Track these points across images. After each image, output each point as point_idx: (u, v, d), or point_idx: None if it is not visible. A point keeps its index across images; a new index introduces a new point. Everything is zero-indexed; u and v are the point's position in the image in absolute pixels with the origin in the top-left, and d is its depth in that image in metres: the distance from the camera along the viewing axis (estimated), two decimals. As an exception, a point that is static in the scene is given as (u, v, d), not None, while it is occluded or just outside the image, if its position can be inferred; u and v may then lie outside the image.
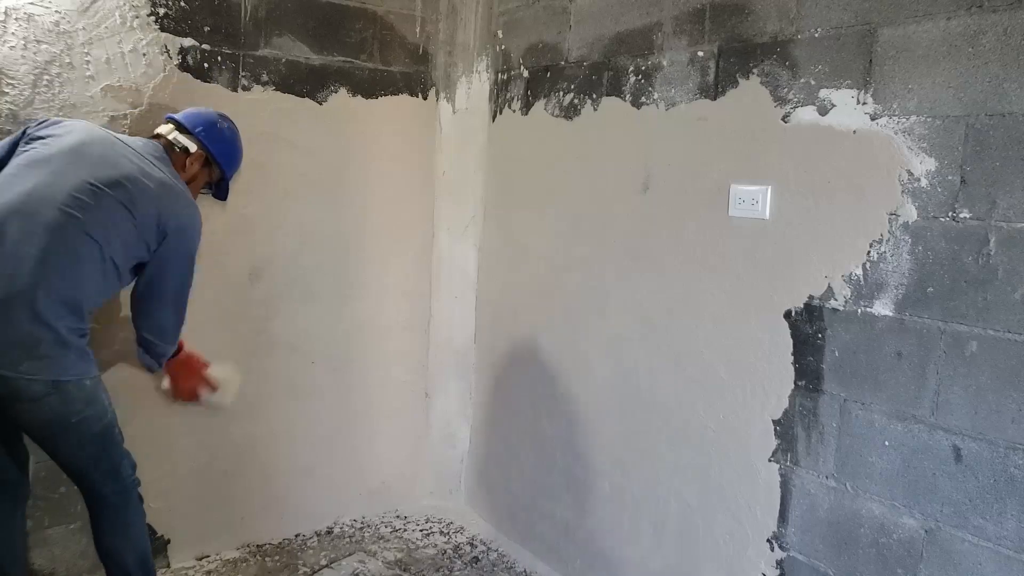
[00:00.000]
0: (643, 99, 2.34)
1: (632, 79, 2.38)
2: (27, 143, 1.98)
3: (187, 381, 2.30)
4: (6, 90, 2.21)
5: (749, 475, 2.07)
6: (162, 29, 2.44)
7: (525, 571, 2.77)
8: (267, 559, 2.75)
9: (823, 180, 1.87)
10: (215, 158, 2.21)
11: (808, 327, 1.92)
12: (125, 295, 2.15)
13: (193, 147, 2.17)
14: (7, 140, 2.03)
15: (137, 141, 2.10)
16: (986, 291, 1.59)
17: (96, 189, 1.89)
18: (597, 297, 2.53)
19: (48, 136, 1.97)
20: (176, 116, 2.22)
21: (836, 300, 1.86)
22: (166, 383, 2.32)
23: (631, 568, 2.44)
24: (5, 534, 2.03)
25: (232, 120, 2.31)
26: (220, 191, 2.32)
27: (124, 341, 2.47)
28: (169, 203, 2.01)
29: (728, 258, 2.10)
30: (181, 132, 2.18)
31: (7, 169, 1.92)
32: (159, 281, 2.05)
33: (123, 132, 2.39)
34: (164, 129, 2.19)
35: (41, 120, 2.06)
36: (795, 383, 1.96)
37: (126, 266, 1.98)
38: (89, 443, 1.93)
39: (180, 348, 2.26)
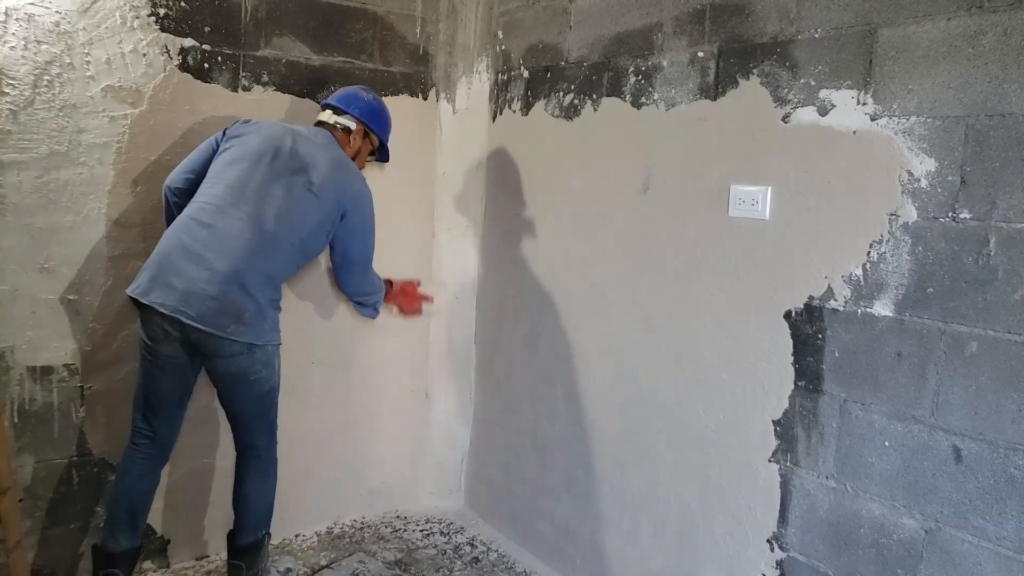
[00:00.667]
0: (643, 99, 2.34)
1: (632, 79, 2.38)
2: (226, 142, 2.31)
3: (412, 305, 2.85)
4: (6, 90, 2.21)
5: (749, 475, 2.07)
6: (162, 29, 2.44)
7: (525, 571, 2.77)
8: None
9: (823, 180, 1.87)
10: (371, 128, 2.49)
11: (808, 327, 1.92)
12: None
13: (353, 125, 2.45)
14: (208, 141, 2.35)
15: (309, 130, 2.40)
16: (986, 292, 1.59)
17: (284, 179, 2.24)
18: (597, 297, 2.53)
19: (241, 135, 2.31)
20: (329, 101, 2.49)
21: (836, 300, 1.86)
22: (395, 311, 2.83)
23: (631, 568, 2.44)
24: (147, 485, 2.33)
25: (372, 90, 2.58)
26: (383, 154, 2.62)
27: (123, 339, 2.48)
28: (344, 181, 2.35)
29: (728, 258, 2.10)
30: (338, 114, 2.46)
31: (213, 167, 2.28)
32: (349, 252, 2.43)
33: (125, 132, 2.39)
34: (325, 115, 2.46)
35: (235, 120, 2.38)
36: (795, 383, 1.96)
37: (314, 242, 2.33)
38: (257, 399, 2.29)
39: (390, 284, 2.73)
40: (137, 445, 2.29)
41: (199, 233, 2.15)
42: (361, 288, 2.55)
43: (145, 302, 2.11)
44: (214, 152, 2.32)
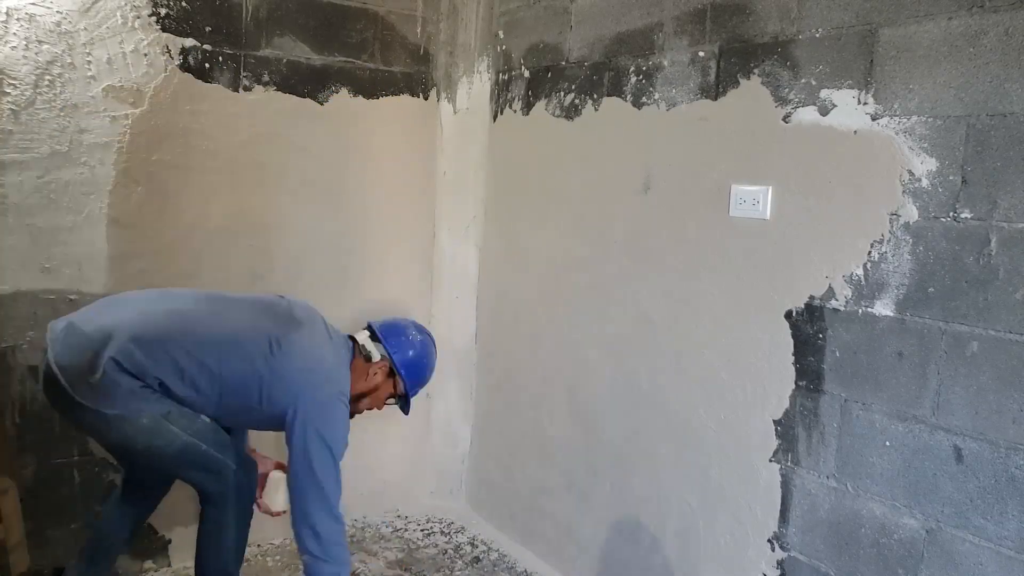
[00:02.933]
0: (644, 99, 2.34)
1: (633, 79, 2.38)
2: None
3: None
4: (7, 90, 2.22)
5: (750, 475, 2.07)
6: (163, 29, 2.44)
7: (526, 571, 2.77)
8: (268, 559, 2.75)
9: (824, 180, 1.87)
10: (400, 373, 2.14)
11: (809, 327, 1.92)
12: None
13: (376, 356, 2.12)
14: None
15: (332, 329, 2.13)
16: (987, 291, 1.59)
17: (257, 320, 2.01)
18: (598, 297, 2.53)
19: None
20: (375, 324, 2.19)
21: (837, 300, 1.86)
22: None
23: (632, 568, 2.44)
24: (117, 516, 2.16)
25: (429, 333, 2.25)
26: (404, 405, 2.23)
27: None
28: (308, 381, 1.95)
29: (729, 258, 2.10)
30: (374, 340, 2.14)
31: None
32: (291, 460, 1.97)
33: (126, 132, 2.40)
34: (361, 335, 2.15)
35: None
36: (796, 383, 1.96)
37: (234, 400, 1.95)
38: (170, 460, 1.94)
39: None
40: None
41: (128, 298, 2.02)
42: (309, 528, 1.92)
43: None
44: None
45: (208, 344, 1.90)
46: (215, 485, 2.01)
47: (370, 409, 2.19)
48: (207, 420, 1.95)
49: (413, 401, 2.24)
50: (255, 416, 2.01)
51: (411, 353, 2.16)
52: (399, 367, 2.14)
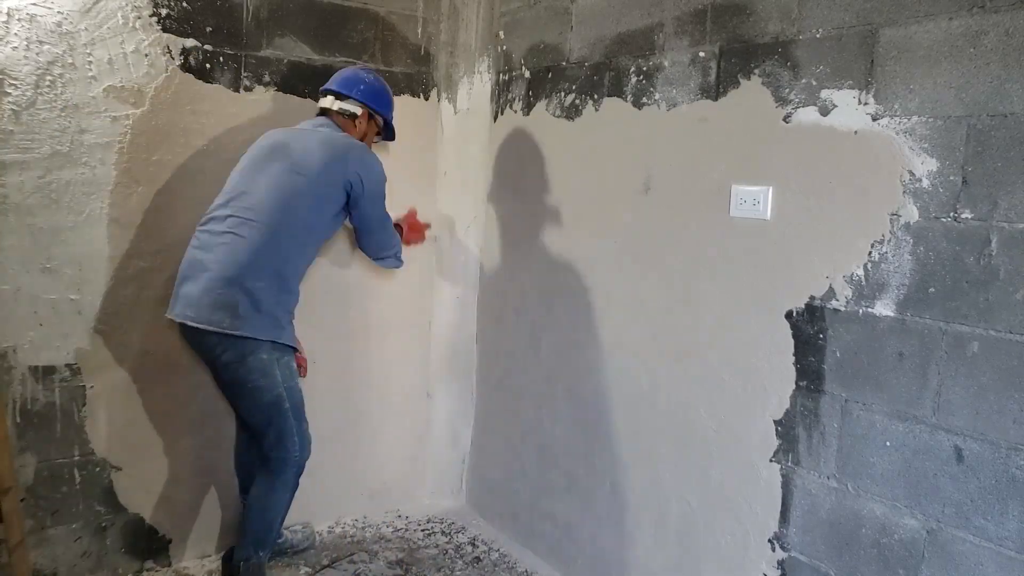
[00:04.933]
0: (644, 99, 2.34)
1: (633, 79, 2.38)
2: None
3: (417, 235, 2.87)
4: (9, 91, 2.22)
5: (750, 475, 2.07)
6: (164, 30, 2.44)
7: (527, 571, 2.77)
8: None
9: (824, 181, 1.87)
10: (375, 109, 2.52)
11: (809, 327, 1.92)
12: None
13: (358, 110, 2.48)
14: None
15: (310, 122, 2.46)
16: (988, 291, 1.59)
17: (272, 174, 2.29)
18: (599, 297, 2.53)
19: (249, 149, 2.41)
20: (330, 86, 2.49)
21: (837, 300, 1.86)
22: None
23: (632, 568, 2.44)
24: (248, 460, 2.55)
25: (373, 71, 2.61)
26: (388, 133, 2.64)
27: (125, 339, 2.48)
28: (341, 159, 2.34)
29: (729, 258, 2.10)
30: (340, 99, 2.47)
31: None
32: (366, 220, 2.46)
33: (127, 132, 2.40)
34: (327, 101, 2.48)
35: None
36: (796, 383, 1.96)
37: (319, 224, 2.37)
38: (260, 409, 2.30)
39: (400, 229, 2.75)
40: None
41: (201, 241, 2.28)
42: (382, 246, 2.58)
43: (169, 316, 2.28)
44: None
45: (280, 215, 2.25)
46: (276, 452, 2.34)
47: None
48: (299, 387, 2.37)
49: (395, 125, 2.65)
50: (339, 217, 2.43)
51: (375, 89, 2.53)
52: (374, 106, 2.52)
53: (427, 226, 2.93)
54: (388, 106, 2.59)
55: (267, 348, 2.25)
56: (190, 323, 2.20)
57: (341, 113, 2.46)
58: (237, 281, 2.19)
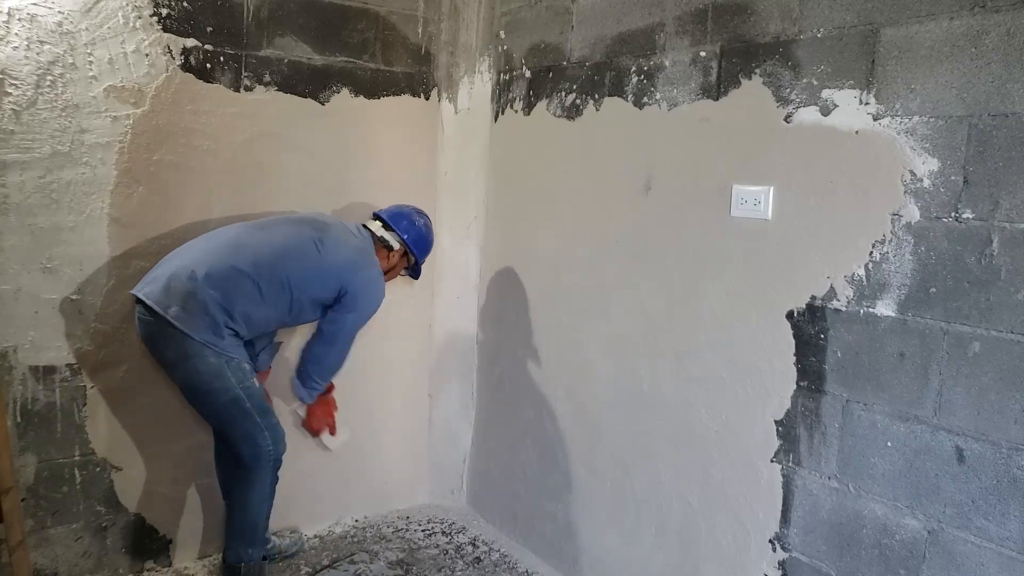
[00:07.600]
0: (645, 99, 2.34)
1: (634, 79, 2.37)
2: None
3: (320, 418, 2.73)
4: (9, 91, 2.22)
5: (751, 476, 2.07)
6: (165, 30, 2.44)
7: (527, 571, 2.77)
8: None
9: (825, 180, 1.87)
10: (412, 251, 2.66)
11: (810, 327, 1.92)
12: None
13: (396, 245, 2.62)
14: None
15: (355, 226, 2.59)
16: (989, 292, 1.59)
17: (299, 229, 2.45)
18: (599, 297, 2.53)
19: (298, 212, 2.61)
20: (381, 213, 2.66)
21: (838, 300, 1.86)
22: (302, 411, 2.71)
23: (633, 568, 2.44)
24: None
25: (427, 215, 2.75)
26: (414, 272, 2.77)
27: (125, 339, 2.48)
28: (356, 263, 2.47)
29: (730, 258, 2.10)
30: (387, 229, 2.62)
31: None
32: (336, 329, 2.48)
33: (128, 132, 2.40)
34: (375, 226, 2.63)
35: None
36: (797, 383, 1.96)
37: (304, 297, 2.38)
38: (219, 409, 2.30)
39: (329, 388, 2.70)
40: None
41: (191, 241, 2.36)
42: (326, 364, 2.56)
43: (131, 292, 2.28)
44: None
45: (269, 258, 2.31)
46: (248, 449, 2.34)
47: (390, 280, 2.67)
48: (257, 385, 2.34)
49: (423, 268, 2.79)
50: (315, 310, 2.45)
51: (420, 235, 2.67)
52: (412, 247, 2.65)
53: (331, 428, 2.80)
54: (425, 253, 2.72)
55: (211, 352, 2.20)
56: (141, 296, 2.19)
57: (381, 240, 2.60)
58: (197, 277, 2.19)
